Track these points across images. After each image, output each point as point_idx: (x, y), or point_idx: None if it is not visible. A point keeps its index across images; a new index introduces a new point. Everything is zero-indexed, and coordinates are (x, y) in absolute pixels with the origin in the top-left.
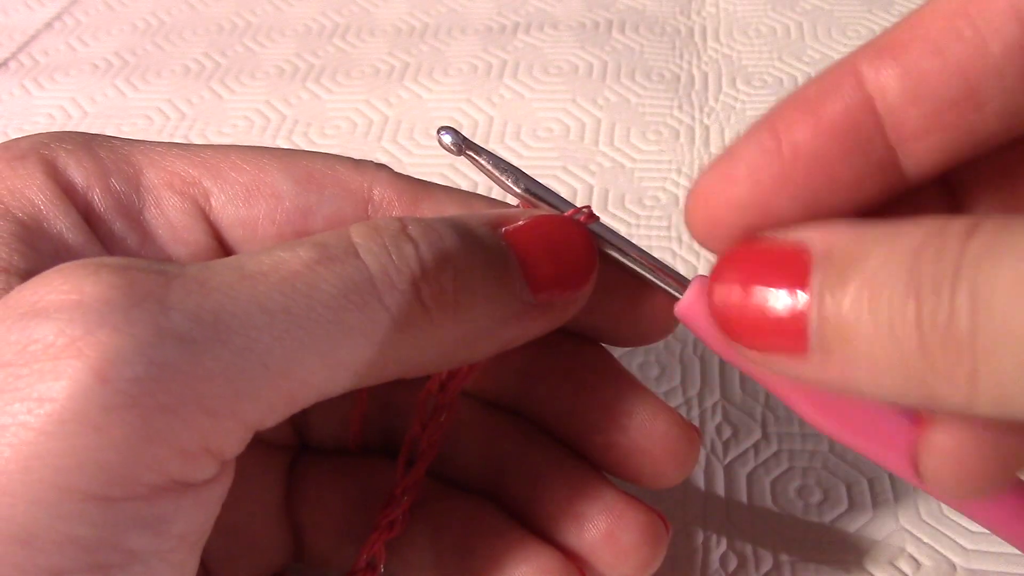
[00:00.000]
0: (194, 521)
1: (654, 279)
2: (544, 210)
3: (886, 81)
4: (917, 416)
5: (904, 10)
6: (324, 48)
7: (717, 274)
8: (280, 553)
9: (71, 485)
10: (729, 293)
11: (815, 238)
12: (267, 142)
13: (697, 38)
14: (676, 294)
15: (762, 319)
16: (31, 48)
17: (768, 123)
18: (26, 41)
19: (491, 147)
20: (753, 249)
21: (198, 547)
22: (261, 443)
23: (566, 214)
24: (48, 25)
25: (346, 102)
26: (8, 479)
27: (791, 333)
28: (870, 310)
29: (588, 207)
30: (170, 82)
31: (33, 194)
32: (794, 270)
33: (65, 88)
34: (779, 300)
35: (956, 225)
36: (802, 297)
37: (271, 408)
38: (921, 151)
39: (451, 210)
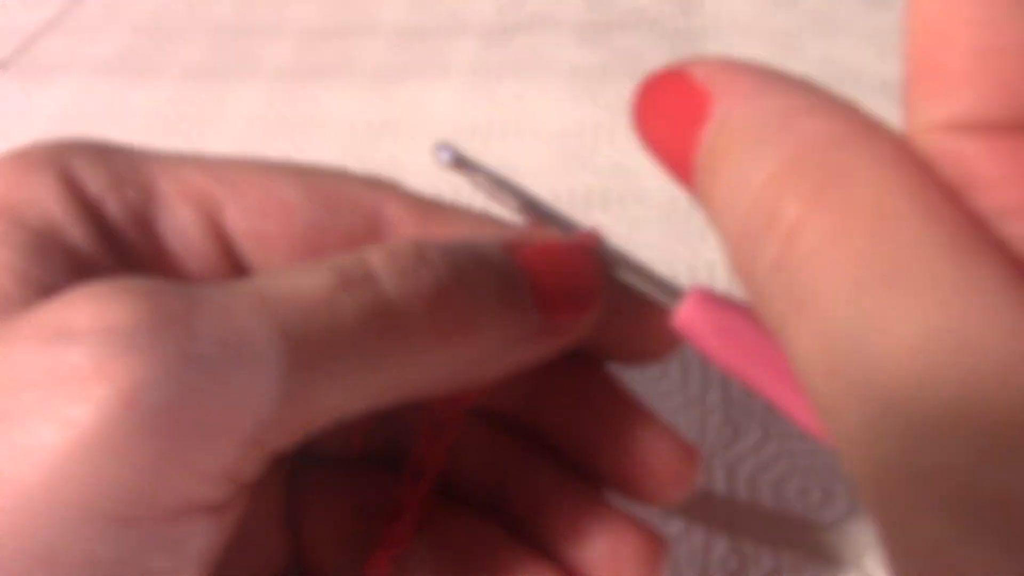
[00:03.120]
0: (209, 543)
1: (653, 293)
2: (550, 229)
3: None
4: None
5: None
6: (324, 48)
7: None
8: (279, 562)
9: (94, 506)
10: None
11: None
12: (267, 142)
13: (697, 38)
14: (673, 306)
15: (668, 132)
16: (31, 48)
17: None
18: (26, 41)
19: (491, 147)
20: (671, 75)
21: (211, 567)
22: None
23: (573, 236)
24: (48, 25)
25: (346, 102)
26: (32, 500)
27: (683, 153)
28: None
29: (594, 229)
30: (170, 82)
31: (48, 204)
32: (697, 108)
33: (65, 88)
34: (679, 125)
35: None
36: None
37: (291, 432)
38: None
39: (462, 228)
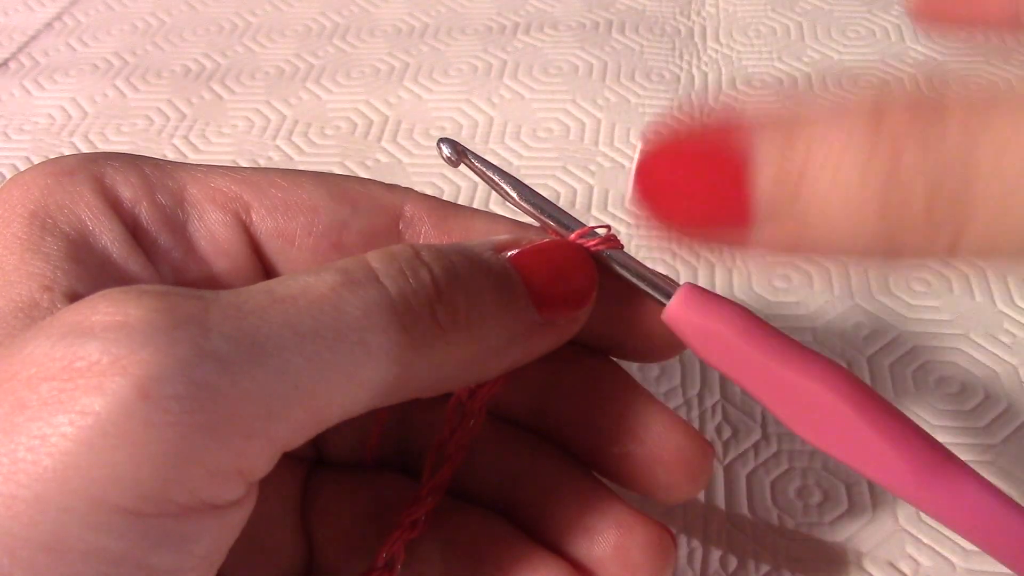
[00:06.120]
0: (216, 542)
1: (647, 288)
2: (553, 228)
3: None
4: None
5: (903, 11)
6: (324, 48)
7: (644, 163)
8: (293, 565)
9: (104, 497)
10: (663, 176)
11: (748, 110)
12: (267, 142)
13: (697, 38)
14: (665, 301)
15: (700, 199)
16: (31, 48)
17: None
18: (26, 41)
19: (491, 147)
20: (685, 131)
21: (214, 568)
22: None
23: (571, 237)
24: (48, 25)
25: (346, 102)
26: (44, 487)
27: (734, 206)
28: (825, 167)
29: (610, 231)
30: (170, 82)
31: (80, 209)
32: (732, 140)
33: (65, 88)
34: (717, 173)
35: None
36: (743, 166)
37: (300, 428)
38: None
39: (478, 226)
